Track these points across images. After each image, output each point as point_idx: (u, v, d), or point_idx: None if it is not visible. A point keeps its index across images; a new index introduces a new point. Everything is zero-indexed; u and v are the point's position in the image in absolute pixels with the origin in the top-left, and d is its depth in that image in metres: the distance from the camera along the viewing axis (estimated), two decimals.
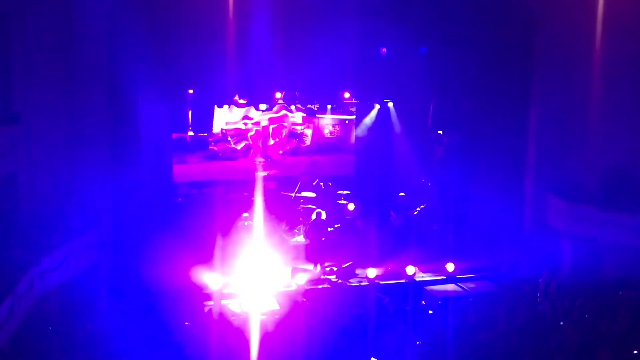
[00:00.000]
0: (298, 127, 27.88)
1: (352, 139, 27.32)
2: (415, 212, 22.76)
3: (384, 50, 21.83)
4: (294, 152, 27.78)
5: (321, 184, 24.46)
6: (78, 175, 18.63)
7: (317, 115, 27.29)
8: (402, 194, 22.93)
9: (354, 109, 26.93)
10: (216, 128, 26.20)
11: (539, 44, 21.32)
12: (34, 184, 18.03)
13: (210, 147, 26.86)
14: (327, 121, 27.42)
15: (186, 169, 25.25)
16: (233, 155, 26.79)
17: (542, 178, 21.47)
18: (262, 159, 26.05)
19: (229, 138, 26.69)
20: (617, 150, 20.12)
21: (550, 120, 21.31)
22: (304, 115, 27.38)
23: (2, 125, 17.13)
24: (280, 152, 27.61)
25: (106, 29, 18.83)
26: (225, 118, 26.84)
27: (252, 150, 26.86)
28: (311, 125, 27.97)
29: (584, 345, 15.55)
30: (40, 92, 18.09)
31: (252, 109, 26.53)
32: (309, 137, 27.67)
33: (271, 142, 27.05)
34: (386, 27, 21.26)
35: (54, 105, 18.37)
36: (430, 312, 18.59)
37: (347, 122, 27.80)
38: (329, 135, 28.22)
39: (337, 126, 27.06)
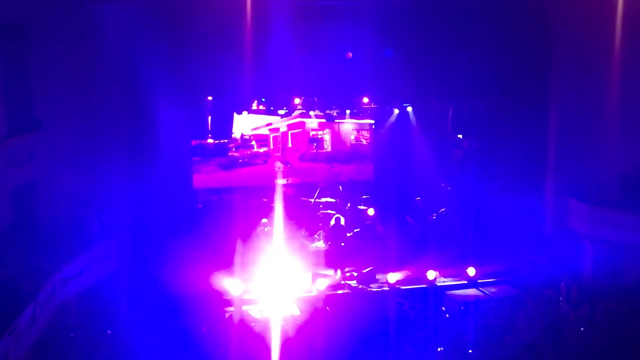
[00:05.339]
0: (319, 133, 27.78)
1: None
2: (435, 216, 22.66)
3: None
4: (314, 159, 27.72)
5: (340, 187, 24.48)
6: (98, 182, 18.76)
7: (336, 121, 27.19)
8: (418, 198, 22.85)
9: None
10: (237, 134, 26.21)
11: (556, 46, 21.25)
12: (55, 191, 18.16)
13: (230, 154, 26.82)
14: (349, 126, 26.94)
15: (203, 178, 25.18)
16: (252, 161, 26.74)
17: (562, 181, 21.38)
18: (282, 165, 26.01)
19: (253, 142, 26.69)
20: (637, 152, 19.98)
21: (569, 122, 21.22)
22: (322, 120, 27.33)
23: (22, 133, 17.28)
24: (300, 159, 27.58)
25: (125, 37, 18.97)
26: (249, 124, 26.84)
27: (271, 156, 26.85)
28: (329, 130, 27.87)
29: (607, 349, 15.40)
30: (60, 99, 18.26)
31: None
32: (328, 142, 27.57)
33: (290, 145, 27.03)
34: (404, 33, 21.27)
35: (74, 112, 18.54)
36: (447, 315, 18.47)
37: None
38: (354, 142, 27.77)
39: (367, 132, 26.61)
